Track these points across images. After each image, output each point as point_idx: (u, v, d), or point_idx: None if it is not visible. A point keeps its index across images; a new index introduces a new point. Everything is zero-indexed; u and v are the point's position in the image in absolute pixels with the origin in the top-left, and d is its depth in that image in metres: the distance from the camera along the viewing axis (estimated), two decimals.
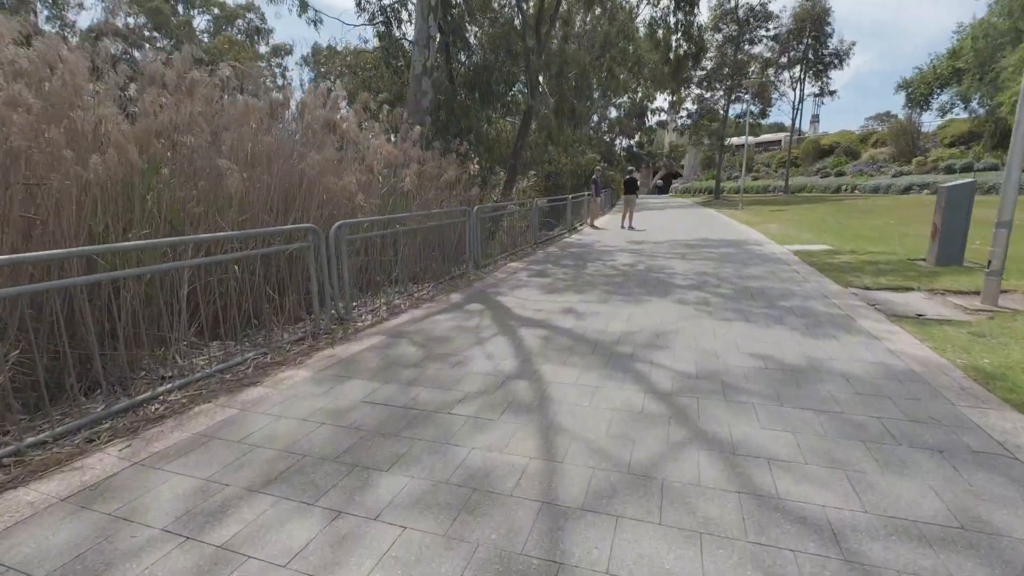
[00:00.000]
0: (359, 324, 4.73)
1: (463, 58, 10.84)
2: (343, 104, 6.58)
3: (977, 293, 5.24)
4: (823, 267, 7.11)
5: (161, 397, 3.06)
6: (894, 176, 28.76)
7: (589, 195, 14.93)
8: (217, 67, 4.58)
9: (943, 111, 39.66)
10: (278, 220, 4.52)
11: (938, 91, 39.18)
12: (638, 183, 14.32)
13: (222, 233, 3.53)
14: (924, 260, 7.21)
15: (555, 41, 11.72)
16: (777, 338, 4.05)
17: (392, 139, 8.49)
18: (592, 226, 14.83)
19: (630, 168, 14.69)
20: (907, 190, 26.19)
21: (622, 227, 14.25)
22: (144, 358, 3.37)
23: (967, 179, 7.71)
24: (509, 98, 11.22)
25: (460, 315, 5.05)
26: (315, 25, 10.31)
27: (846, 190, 30.78)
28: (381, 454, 2.43)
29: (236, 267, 3.75)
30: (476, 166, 12.45)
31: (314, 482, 2.21)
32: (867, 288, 5.82)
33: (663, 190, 64.41)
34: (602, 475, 2.21)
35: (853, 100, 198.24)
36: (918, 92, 39.88)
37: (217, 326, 3.92)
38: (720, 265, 7.58)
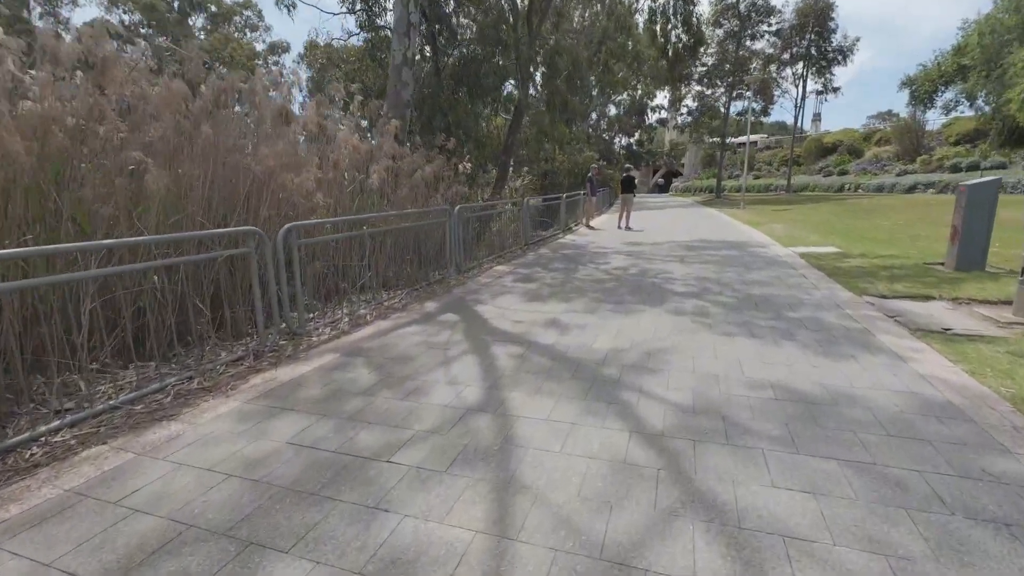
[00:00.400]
0: (314, 339, 4.20)
1: (451, 50, 10.29)
2: (301, 93, 6.04)
3: (1008, 303, 4.70)
4: (832, 272, 6.58)
5: (44, 438, 2.53)
6: (898, 175, 28.20)
7: (585, 194, 14.39)
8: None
9: (947, 109, 39.10)
10: (219, 223, 3.99)
11: (943, 89, 38.60)
12: (636, 182, 13.79)
13: (136, 238, 3.00)
14: (942, 264, 6.67)
15: (548, 32, 11.19)
16: (787, 358, 3.52)
17: (370, 134, 7.98)
18: (588, 226, 14.29)
19: (627, 166, 14.15)
20: (912, 189, 25.63)
21: (619, 227, 13.71)
22: (38, 387, 2.85)
23: (991, 176, 7.15)
24: (500, 92, 10.67)
25: (430, 328, 4.52)
26: (288, 11, 9.76)
27: (849, 189, 30.21)
28: (287, 524, 1.90)
29: (156, 277, 3.22)
30: (468, 164, 11.94)
31: (185, 571, 1.68)
32: (883, 296, 5.29)
33: (664, 189, 63.84)
34: (565, 561, 1.68)
35: (855, 98, 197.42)
36: (922, 90, 39.26)
37: (141, 346, 3.39)
38: (721, 269, 7.04)
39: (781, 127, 64.41)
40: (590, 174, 14.36)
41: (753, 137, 45.27)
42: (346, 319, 4.70)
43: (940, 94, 38.98)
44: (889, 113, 61.60)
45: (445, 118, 9.36)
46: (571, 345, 3.92)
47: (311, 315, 4.59)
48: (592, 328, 4.37)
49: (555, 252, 9.41)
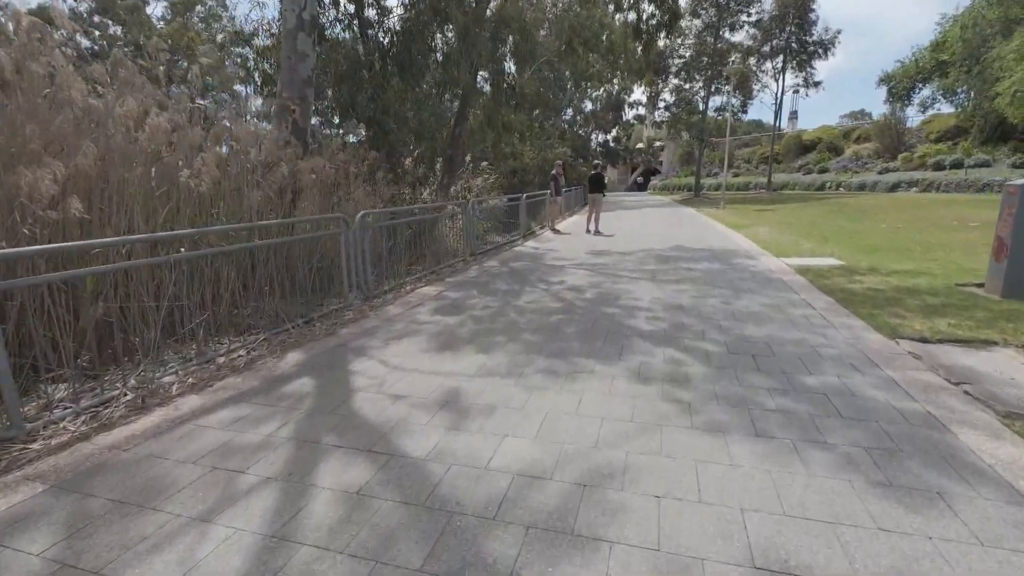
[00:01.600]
0: (32, 447, 2.50)
1: (384, 19, 8.56)
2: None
3: None
4: (845, 297, 5.10)
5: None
6: (880, 173, 27.35)
7: (549, 195, 12.80)
8: None
9: (924, 106, 38.70)
10: None
11: (920, 85, 38.19)
12: (605, 180, 12.30)
13: None
14: (980, 287, 5.24)
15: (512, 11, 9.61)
16: (824, 498, 1.97)
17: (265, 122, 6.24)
18: (553, 230, 12.73)
19: (596, 163, 12.58)
20: (895, 187, 24.74)
21: (587, 231, 12.18)
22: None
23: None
24: (447, 72, 8.96)
25: (257, 411, 2.87)
26: None
27: (830, 187, 29.30)
28: None
29: None
30: (411, 160, 10.24)
31: None
32: (924, 340, 3.81)
33: (642, 187, 62.86)
34: None
35: (828, 98, 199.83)
36: (900, 86, 38.82)
37: None
38: (702, 293, 5.52)
39: (757, 125, 64.00)
40: (554, 171, 12.78)
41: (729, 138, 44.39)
42: (126, 397, 3.01)
43: (918, 91, 38.64)
44: (862, 112, 61.64)
45: (372, 104, 7.66)
46: (456, 463, 2.31)
47: (62, 396, 2.88)
48: (504, 415, 2.76)
49: (504, 265, 7.80)
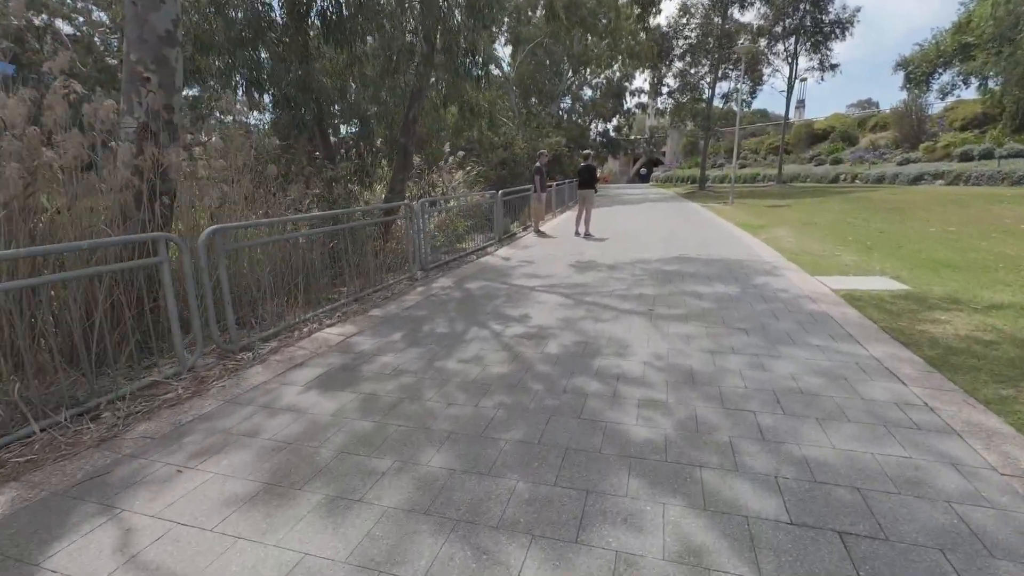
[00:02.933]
0: None
1: None
2: None
3: None
4: (940, 356, 3.34)
5: None
6: (900, 164, 25.38)
7: (533, 190, 10.97)
8: None
9: (943, 92, 36.55)
10: None
11: (941, 70, 36.01)
12: (597, 173, 10.50)
13: None
14: None
15: None
16: None
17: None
18: (537, 232, 10.94)
19: (585, 152, 10.71)
20: (917, 180, 22.81)
21: (576, 233, 10.40)
22: None
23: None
24: (381, 33, 7.08)
25: None
26: None
27: (845, 180, 27.38)
28: None
29: None
30: (356, 152, 8.45)
31: None
32: None
33: (645, 179, 60.83)
34: None
35: (833, 88, 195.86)
36: (919, 71, 36.64)
37: None
38: (720, 344, 3.76)
39: (762, 115, 61.73)
40: (537, 163, 10.94)
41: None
42: None
43: (938, 76, 36.46)
44: (869, 102, 59.47)
45: (289, 75, 5.87)
46: None
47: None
48: None
49: (458, 287, 6.04)
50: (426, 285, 6.12)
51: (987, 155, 21.81)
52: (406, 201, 6.18)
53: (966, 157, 22.68)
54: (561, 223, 13.00)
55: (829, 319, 4.26)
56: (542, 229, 11.22)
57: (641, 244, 8.94)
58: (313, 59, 6.19)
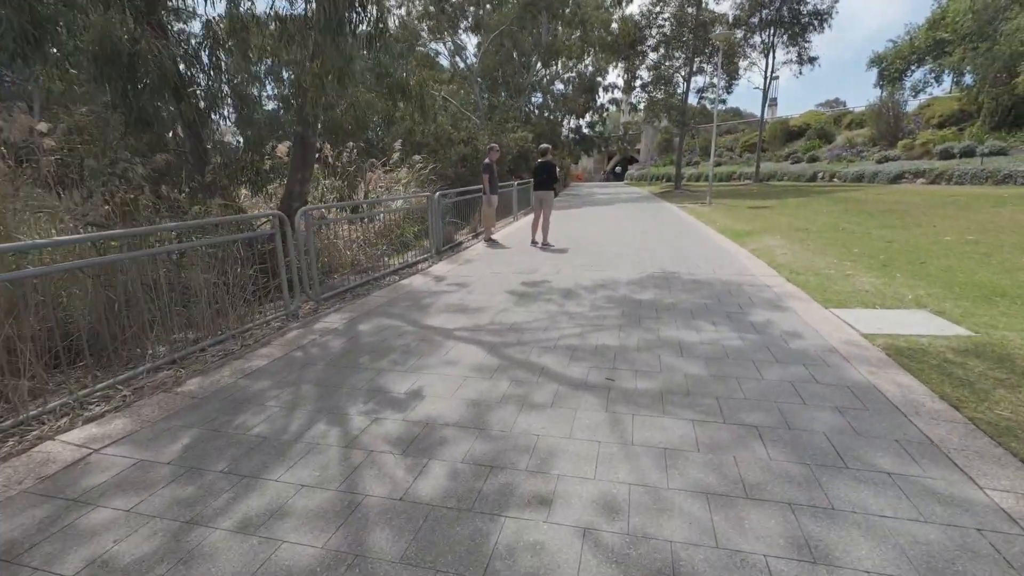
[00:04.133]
0: None
1: None
2: None
3: None
4: None
5: None
6: (879, 162, 24.55)
7: (496, 191, 9.26)
8: None
9: (915, 90, 36.27)
10: None
11: (914, 67, 35.68)
12: (557, 171, 8.88)
13: None
14: None
15: None
16: None
17: None
18: (488, 241, 9.26)
19: (544, 147, 9.00)
20: (898, 178, 21.94)
21: (533, 243, 8.77)
22: None
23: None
24: None
25: None
26: None
27: (823, 178, 26.48)
28: None
29: None
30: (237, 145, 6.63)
31: None
32: None
33: (619, 177, 59.78)
34: None
35: (799, 88, 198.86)
36: (893, 68, 36.27)
37: None
38: (722, 467, 2.16)
39: (735, 113, 61.31)
40: (487, 159, 9.25)
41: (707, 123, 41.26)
42: None
43: (911, 73, 36.14)
44: (836, 101, 59.54)
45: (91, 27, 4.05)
46: None
47: None
48: None
49: (348, 329, 4.31)
50: (305, 327, 4.38)
51: (968, 153, 21.03)
52: (273, 212, 4.39)
53: (946, 155, 21.90)
54: (521, 229, 11.35)
55: (884, 403, 2.70)
56: (494, 238, 9.55)
57: (608, 258, 7.35)
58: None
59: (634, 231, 10.46)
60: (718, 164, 36.73)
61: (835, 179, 25.44)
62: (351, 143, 7.78)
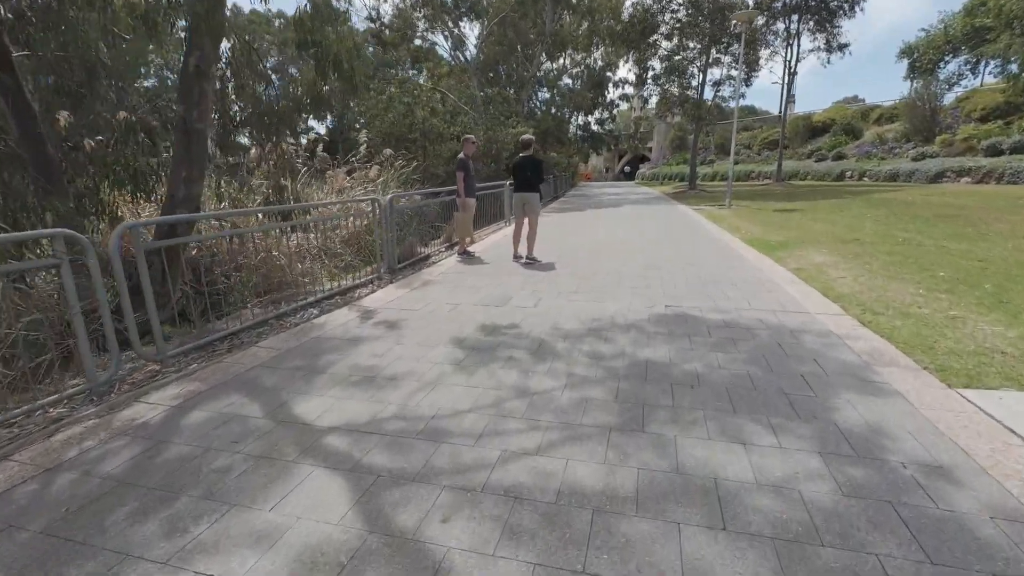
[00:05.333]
0: None
1: None
2: None
3: None
4: None
5: None
6: (915, 160, 22.43)
7: (473, 193, 7.56)
8: None
9: (949, 83, 33.85)
10: None
11: (948, 57, 33.30)
12: (543, 169, 7.14)
13: None
14: None
15: None
16: None
17: None
18: (463, 253, 7.57)
19: (525, 137, 7.21)
20: (939, 177, 19.85)
21: (515, 257, 7.08)
22: None
23: None
24: None
25: None
26: None
27: (851, 177, 24.41)
28: None
29: None
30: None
31: None
32: None
33: (630, 176, 57.77)
34: None
35: (816, 87, 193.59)
36: (925, 59, 33.90)
37: None
38: None
39: (750, 111, 58.94)
40: (461, 154, 7.55)
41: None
42: None
43: (944, 64, 33.76)
44: (855, 98, 56.94)
45: None
46: None
47: None
48: None
49: (156, 433, 2.65)
50: (101, 417, 2.73)
51: (1020, 149, 18.87)
52: (55, 231, 2.73)
53: (993, 151, 19.75)
54: (503, 238, 9.64)
55: None
56: (471, 249, 7.85)
57: (606, 282, 5.62)
58: None
59: (642, 241, 8.70)
60: (736, 162, 34.68)
61: (865, 178, 23.37)
62: (277, 136, 6.15)
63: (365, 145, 10.85)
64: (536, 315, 4.37)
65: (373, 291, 5.54)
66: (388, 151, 10.74)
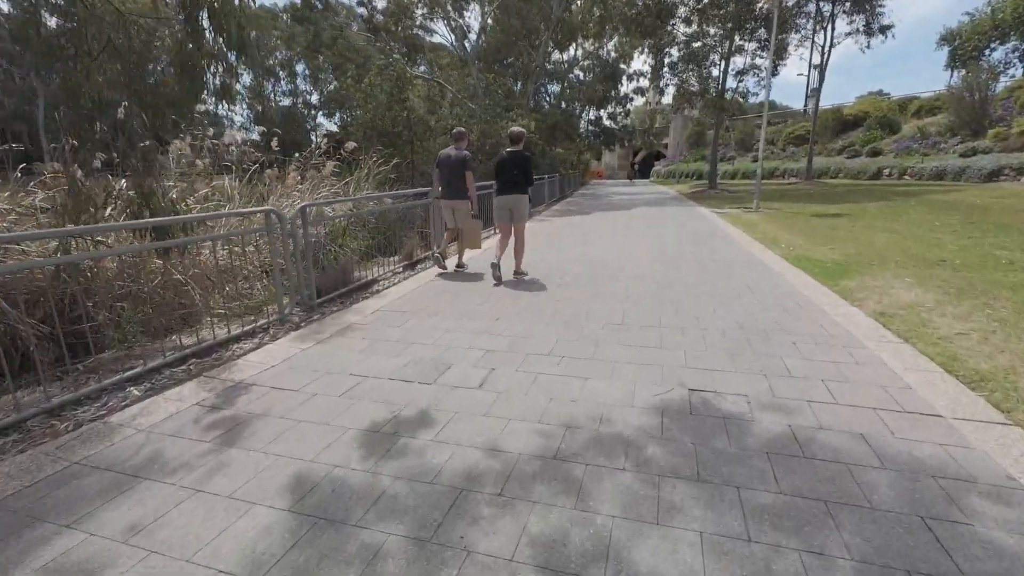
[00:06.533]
0: None
1: None
2: None
3: None
4: None
5: None
6: (964, 155, 20.12)
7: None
8: None
9: (994, 72, 31.14)
10: None
11: (995, 44, 30.64)
12: (531, 166, 5.38)
13: None
14: None
15: None
16: None
17: None
18: (443, 267, 5.89)
19: (514, 131, 5.47)
20: (994, 175, 17.58)
21: (495, 276, 5.34)
22: None
23: None
24: None
25: None
26: None
27: (889, 175, 22.16)
28: None
29: None
30: None
31: None
32: None
33: (644, 174, 55.43)
34: None
35: (838, 82, 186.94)
36: (968, 46, 31.26)
37: None
38: None
39: (770, 106, 56.19)
40: (464, 152, 5.76)
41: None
42: None
43: (989, 52, 31.09)
44: (880, 93, 54.12)
45: None
46: None
47: None
48: None
49: None
50: None
51: None
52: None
53: None
54: (492, 246, 7.89)
55: None
56: (463, 262, 6.15)
57: (601, 333, 3.85)
58: None
59: (656, 258, 6.87)
60: (755, 159, 32.44)
61: (906, 176, 21.11)
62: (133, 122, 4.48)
63: (325, 140, 9.16)
64: (475, 409, 2.63)
65: (262, 343, 3.84)
66: (351, 144, 9.01)
